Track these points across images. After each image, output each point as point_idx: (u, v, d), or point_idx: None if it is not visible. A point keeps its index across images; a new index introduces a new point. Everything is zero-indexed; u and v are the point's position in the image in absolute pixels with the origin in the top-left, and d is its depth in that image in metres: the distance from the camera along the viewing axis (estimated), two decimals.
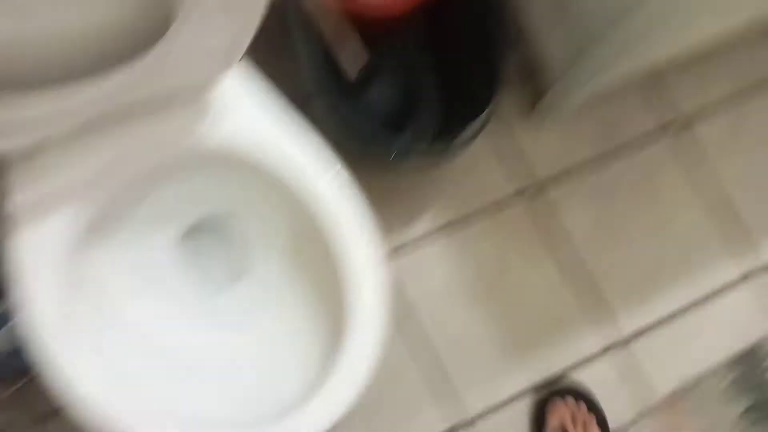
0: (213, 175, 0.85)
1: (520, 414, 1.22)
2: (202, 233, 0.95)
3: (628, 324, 1.27)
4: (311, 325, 0.85)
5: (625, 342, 1.26)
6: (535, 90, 1.22)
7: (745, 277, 1.32)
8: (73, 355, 0.68)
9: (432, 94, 1.19)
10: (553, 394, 1.17)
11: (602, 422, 1.16)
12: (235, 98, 0.74)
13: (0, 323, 0.92)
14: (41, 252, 0.69)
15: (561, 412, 1.15)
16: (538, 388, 1.22)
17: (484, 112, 0.94)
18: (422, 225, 1.22)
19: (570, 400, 1.15)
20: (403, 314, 1.19)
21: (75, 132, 0.69)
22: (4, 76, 0.54)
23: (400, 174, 1.03)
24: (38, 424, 1.05)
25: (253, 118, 0.75)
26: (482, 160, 1.25)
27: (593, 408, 1.16)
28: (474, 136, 0.93)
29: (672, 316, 1.28)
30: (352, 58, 1.02)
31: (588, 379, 1.23)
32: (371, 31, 1.06)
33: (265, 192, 0.84)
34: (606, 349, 1.25)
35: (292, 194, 0.75)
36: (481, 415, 1.20)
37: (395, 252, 1.21)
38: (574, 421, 1.15)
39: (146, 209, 0.87)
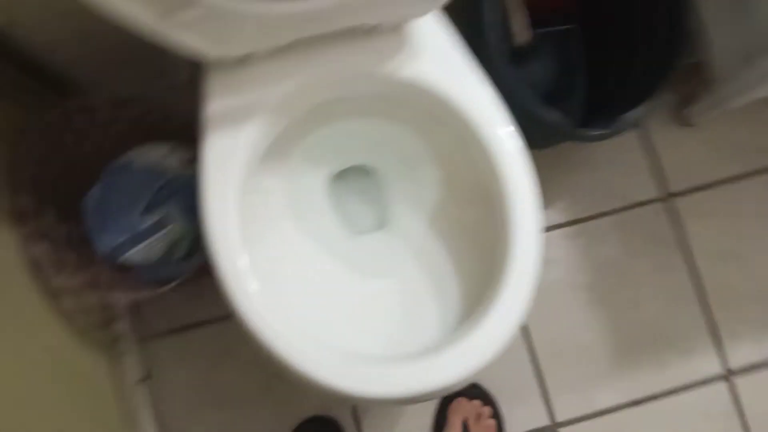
0: (387, 118, 0.87)
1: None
2: (352, 179, 0.98)
3: (737, 357, 1.21)
4: (456, 275, 0.86)
5: (730, 375, 1.20)
6: (689, 90, 1.18)
7: None
8: (243, 259, 0.70)
9: (583, 79, 1.17)
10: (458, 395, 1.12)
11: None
12: (431, 39, 0.76)
13: (150, 233, 0.96)
14: (228, 159, 0.72)
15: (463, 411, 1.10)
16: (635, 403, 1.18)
17: (648, 101, 0.91)
18: (552, 214, 1.21)
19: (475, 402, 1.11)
20: None
21: (277, 51, 0.72)
22: None
23: (545, 152, 1.02)
24: (184, 331, 1.10)
25: (445, 60, 0.76)
26: (622, 156, 1.23)
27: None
28: (636, 123, 0.91)
29: None
30: (520, 30, 1.01)
31: (684, 406, 1.18)
32: (538, 8, 1.05)
33: (437, 135, 0.86)
34: (709, 380, 1.20)
35: (471, 138, 0.76)
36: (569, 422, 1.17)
37: None
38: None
39: (310, 144, 0.90)
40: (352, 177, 0.98)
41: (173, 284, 0.85)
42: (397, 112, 0.86)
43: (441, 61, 0.77)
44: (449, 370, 0.69)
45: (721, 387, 1.19)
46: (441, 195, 0.92)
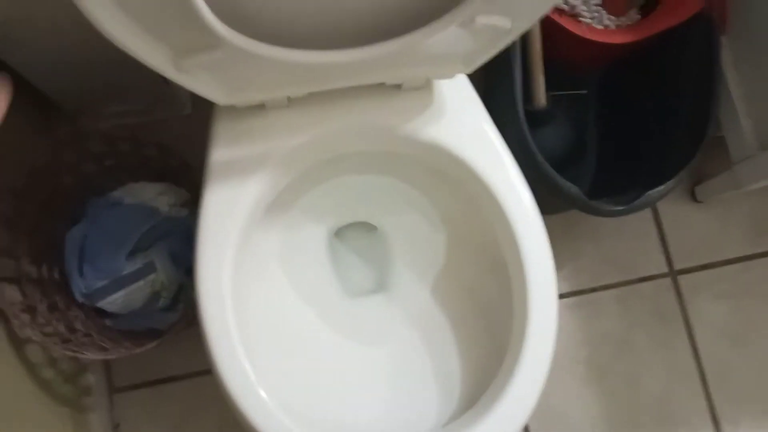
0: (396, 176, 0.82)
1: None
2: (353, 236, 0.92)
3: None
4: (459, 349, 0.80)
5: None
6: (702, 166, 1.16)
7: None
8: (232, 314, 0.64)
9: (594, 147, 1.14)
10: None
11: None
12: (455, 100, 0.73)
13: (133, 279, 0.90)
14: (229, 214, 0.66)
15: None
16: None
17: (674, 178, 0.88)
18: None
19: None
20: None
21: (296, 101, 0.67)
22: (270, 30, 0.52)
23: (550, 218, 0.97)
24: (156, 385, 1.02)
25: (468, 123, 0.73)
26: (629, 227, 1.19)
27: None
28: (659, 198, 0.87)
29: None
30: (539, 93, 0.98)
31: None
32: (560, 74, 1.03)
33: (448, 197, 0.82)
34: None
35: (488, 204, 0.71)
36: None
37: None
38: None
39: (313, 197, 0.85)
40: (354, 234, 0.93)
41: (156, 343, 0.77)
42: (410, 171, 0.82)
43: (464, 123, 0.73)
44: None
45: None
46: (447, 260, 0.87)
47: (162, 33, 0.50)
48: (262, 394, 0.62)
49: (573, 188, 0.87)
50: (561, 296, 1.16)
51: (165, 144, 0.86)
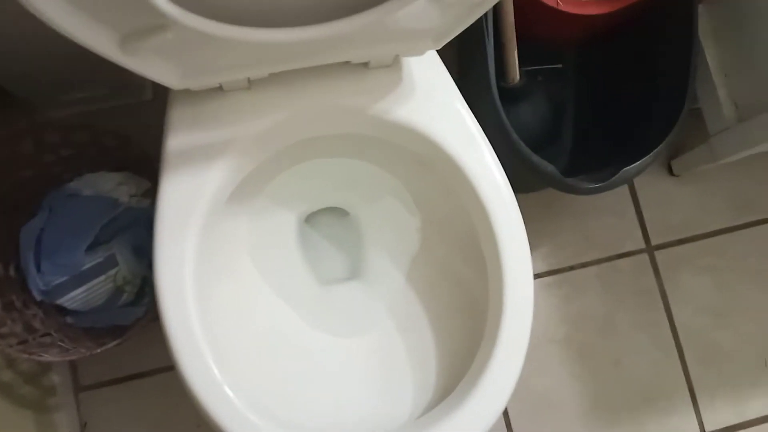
0: (367, 159, 0.79)
1: None
2: (324, 222, 0.89)
3: (714, 418, 1.16)
4: (435, 332, 0.78)
5: None
6: (679, 140, 1.14)
7: None
8: (195, 310, 0.60)
9: (570, 123, 1.12)
10: None
11: None
12: (425, 78, 0.69)
13: (94, 274, 0.85)
14: (188, 205, 0.62)
15: None
16: None
17: (651, 153, 0.85)
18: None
19: None
20: None
21: (257, 82, 0.63)
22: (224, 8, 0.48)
23: (526, 196, 0.95)
24: (124, 381, 0.98)
25: (439, 102, 0.69)
26: (606, 204, 1.18)
27: None
28: (637, 173, 0.85)
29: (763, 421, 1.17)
30: (513, 69, 0.95)
31: None
32: (535, 47, 0.99)
33: (422, 180, 0.78)
34: None
35: (462, 186, 0.68)
36: None
37: None
38: None
39: (281, 182, 0.81)
40: (325, 220, 0.89)
41: (117, 342, 0.73)
42: (381, 154, 0.78)
43: (435, 103, 0.69)
44: None
45: None
46: (421, 244, 0.84)
47: (104, 15, 0.46)
48: (228, 392, 0.59)
49: (549, 167, 0.85)
50: (539, 275, 1.14)
51: (124, 133, 0.81)
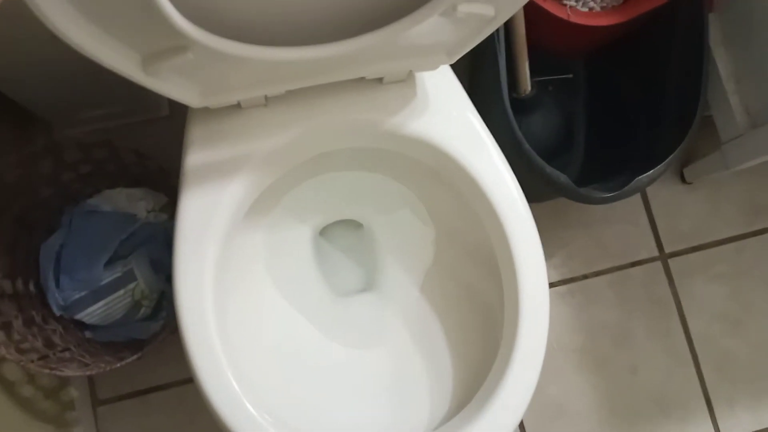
0: (382, 173, 0.79)
1: None
2: (339, 234, 0.90)
3: (732, 427, 1.15)
4: (450, 347, 0.78)
5: None
6: (691, 148, 1.14)
7: None
8: (214, 324, 0.61)
9: (582, 132, 1.12)
10: None
11: None
12: (439, 92, 0.70)
13: (112, 289, 0.86)
14: (207, 221, 0.63)
15: None
16: None
17: (665, 161, 0.86)
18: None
19: None
20: None
21: (274, 99, 0.64)
22: (242, 28, 0.49)
23: (538, 206, 0.96)
24: (142, 395, 0.99)
25: (453, 115, 0.70)
26: (618, 212, 1.17)
27: None
28: (649, 183, 0.85)
29: None
30: (524, 80, 0.95)
31: None
32: (545, 58, 1.00)
33: (436, 193, 0.79)
34: None
35: (476, 198, 0.69)
36: None
37: None
38: None
39: (296, 196, 0.82)
40: (340, 232, 0.90)
41: (137, 356, 0.74)
42: (395, 166, 0.79)
43: (449, 116, 0.70)
44: None
45: None
46: (436, 256, 0.84)
47: (127, 36, 0.47)
48: (248, 406, 0.59)
49: (561, 176, 0.85)
50: (552, 285, 1.14)
51: (141, 149, 0.82)
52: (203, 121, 0.64)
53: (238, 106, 0.64)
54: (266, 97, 0.64)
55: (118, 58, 0.48)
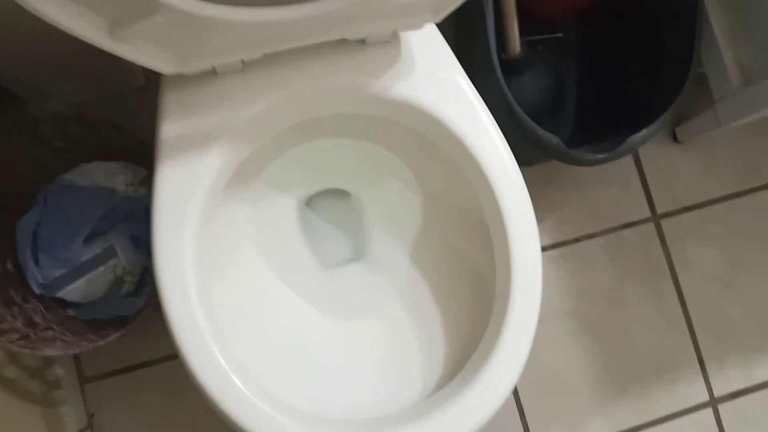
0: (367, 139, 0.77)
1: None
2: (325, 204, 0.87)
3: (723, 385, 1.15)
4: (442, 315, 0.77)
5: (714, 403, 1.15)
6: (685, 106, 1.11)
7: None
8: (197, 299, 0.59)
9: (573, 93, 1.09)
10: None
11: None
12: (425, 53, 0.67)
13: (92, 266, 0.84)
14: (185, 193, 0.60)
15: None
16: None
17: (658, 120, 0.83)
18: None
19: None
20: None
21: (251, 64, 0.61)
22: None
23: (528, 169, 0.94)
24: (129, 371, 0.97)
25: (440, 77, 0.67)
26: (610, 173, 1.15)
27: None
28: (643, 142, 0.83)
29: None
30: (513, 40, 0.92)
31: None
32: (534, 16, 0.96)
33: (424, 158, 0.76)
34: (692, 409, 1.14)
35: (466, 163, 0.67)
36: None
37: None
38: None
39: (280, 165, 0.79)
40: (326, 202, 0.87)
41: (120, 333, 0.72)
42: (381, 133, 0.76)
43: (436, 78, 0.67)
44: None
45: (707, 414, 1.14)
46: (425, 223, 0.82)
47: (91, 0, 0.44)
48: (234, 379, 0.58)
49: (553, 138, 0.83)
50: (544, 249, 1.13)
51: (116, 122, 0.79)
52: (177, 88, 0.61)
53: (213, 72, 0.61)
54: (243, 62, 0.61)
55: (83, 25, 0.45)
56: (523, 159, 0.68)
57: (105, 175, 0.85)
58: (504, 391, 0.62)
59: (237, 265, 0.76)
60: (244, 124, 0.63)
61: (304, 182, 0.84)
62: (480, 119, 0.67)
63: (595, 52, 1.08)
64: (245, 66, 0.62)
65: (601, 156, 0.84)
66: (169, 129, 0.61)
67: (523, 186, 0.66)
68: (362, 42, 0.64)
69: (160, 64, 0.54)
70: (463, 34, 0.95)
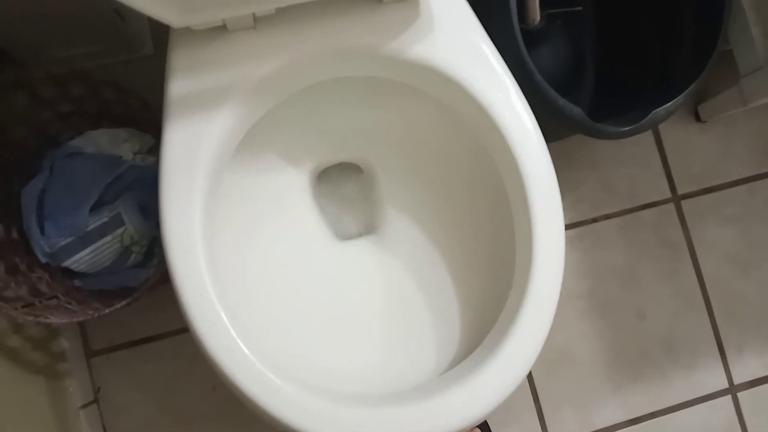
0: (382, 107, 0.74)
1: None
2: (336, 176, 0.85)
3: (741, 370, 1.13)
4: (457, 291, 0.74)
5: (734, 390, 1.12)
6: (709, 82, 1.08)
7: None
8: (207, 271, 0.57)
9: (593, 67, 1.06)
10: None
11: None
12: (445, 13, 0.64)
13: (99, 235, 0.82)
14: (193, 154, 0.58)
15: None
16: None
17: (683, 93, 0.80)
18: None
19: None
20: None
21: (263, 21, 0.58)
22: None
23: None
24: (136, 345, 0.95)
25: (461, 38, 0.64)
26: (629, 152, 1.13)
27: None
28: (666, 117, 0.80)
29: None
30: (534, 9, 0.89)
31: (686, 423, 1.10)
32: None
33: (442, 127, 0.74)
34: (711, 396, 1.11)
35: (487, 130, 0.64)
36: None
37: None
38: None
39: (292, 135, 0.76)
40: (338, 175, 0.85)
41: (126, 302, 0.70)
42: (396, 98, 0.73)
43: (456, 39, 0.64)
44: (456, 413, 0.57)
45: (726, 401, 1.12)
46: (440, 194, 0.80)
47: None
48: (247, 352, 0.55)
49: (576, 110, 0.80)
50: (568, 226, 1.10)
51: (123, 84, 0.77)
52: (186, 45, 0.59)
53: (224, 28, 0.59)
54: (255, 18, 0.58)
55: None
56: (543, 134, 0.65)
57: (112, 142, 0.82)
58: (522, 370, 0.59)
59: (247, 236, 0.74)
60: (256, 83, 0.60)
61: (316, 154, 0.81)
62: (502, 84, 0.64)
63: (615, 25, 1.05)
64: (257, 23, 0.60)
65: (625, 129, 0.81)
66: (178, 87, 0.58)
67: (548, 155, 0.63)
68: (379, 0, 0.61)
69: (166, 13, 0.51)
70: (482, 2, 0.92)
